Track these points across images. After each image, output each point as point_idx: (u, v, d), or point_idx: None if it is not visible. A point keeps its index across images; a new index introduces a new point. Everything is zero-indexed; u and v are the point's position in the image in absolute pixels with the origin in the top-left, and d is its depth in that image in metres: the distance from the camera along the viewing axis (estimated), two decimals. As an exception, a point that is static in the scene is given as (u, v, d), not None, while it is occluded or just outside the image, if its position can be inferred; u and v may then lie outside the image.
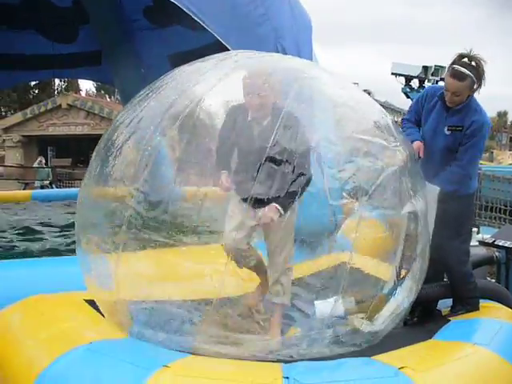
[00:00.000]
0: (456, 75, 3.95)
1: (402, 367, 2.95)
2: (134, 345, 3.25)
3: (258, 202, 3.43)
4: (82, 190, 3.91)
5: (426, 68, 20.19)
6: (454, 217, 4.08)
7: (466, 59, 3.97)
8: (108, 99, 43.38)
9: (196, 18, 5.85)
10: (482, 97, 4.10)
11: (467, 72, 3.93)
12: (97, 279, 3.65)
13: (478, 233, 6.94)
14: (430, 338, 3.69)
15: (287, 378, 2.74)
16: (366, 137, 3.62)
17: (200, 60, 3.83)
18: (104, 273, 3.52)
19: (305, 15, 7.34)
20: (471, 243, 6.24)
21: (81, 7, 10.42)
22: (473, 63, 3.96)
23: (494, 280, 5.84)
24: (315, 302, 3.64)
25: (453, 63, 4.00)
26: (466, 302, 4.25)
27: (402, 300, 3.71)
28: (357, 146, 3.63)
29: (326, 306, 3.54)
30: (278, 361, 3.11)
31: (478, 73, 3.97)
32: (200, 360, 3.03)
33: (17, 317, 3.91)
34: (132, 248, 3.47)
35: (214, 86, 3.58)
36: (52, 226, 9.82)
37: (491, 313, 4.16)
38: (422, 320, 4.17)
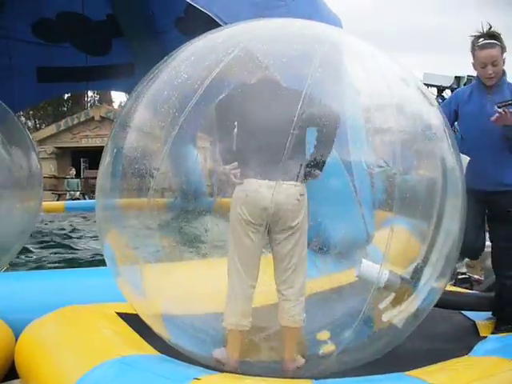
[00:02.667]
0: (485, 46, 4.01)
1: (435, 383, 2.89)
2: (165, 360, 3.24)
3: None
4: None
5: (458, 78, 19.94)
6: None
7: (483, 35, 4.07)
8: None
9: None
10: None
11: (493, 40, 4.02)
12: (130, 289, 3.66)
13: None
14: (467, 353, 3.61)
15: (318, 394, 2.72)
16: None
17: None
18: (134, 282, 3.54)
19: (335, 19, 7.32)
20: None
21: (114, 20, 10.66)
22: (492, 32, 4.05)
23: None
24: (363, 260, 3.22)
25: (474, 42, 4.08)
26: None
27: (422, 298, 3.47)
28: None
29: (372, 267, 3.19)
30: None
31: (500, 39, 4.05)
32: (231, 376, 3.02)
33: (51, 327, 3.95)
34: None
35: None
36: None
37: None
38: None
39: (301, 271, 3.29)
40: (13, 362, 3.96)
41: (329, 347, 3.32)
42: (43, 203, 14.92)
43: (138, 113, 3.55)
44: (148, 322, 3.54)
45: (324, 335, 3.39)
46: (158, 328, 3.50)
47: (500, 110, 3.87)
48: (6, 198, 6.13)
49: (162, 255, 3.61)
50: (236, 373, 3.15)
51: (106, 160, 3.61)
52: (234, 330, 3.27)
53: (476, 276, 7.48)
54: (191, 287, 3.53)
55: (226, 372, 3.13)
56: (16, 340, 4.04)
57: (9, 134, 6.26)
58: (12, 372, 3.96)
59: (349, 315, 3.26)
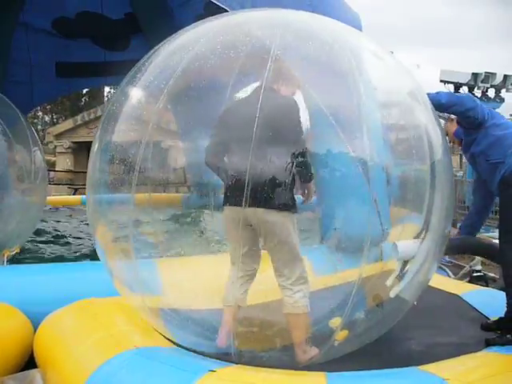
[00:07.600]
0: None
1: (448, 378, 2.88)
2: (181, 352, 3.30)
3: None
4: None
5: (475, 75, 19.75)
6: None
7: None
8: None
9: None
10: None
11: None
12: (123, 284, 3.71)
13: None
14: (482, 348, 3.62)
15: (332, 386, 2.74)
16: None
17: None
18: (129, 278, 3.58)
19: (355, 16, 7.34)
20: None
21: (133, 18, 10.68)
22: None
23: None
24: (397, 243, 3.30)
25: None
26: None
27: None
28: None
29: (408, 246, 3.34)
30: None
31: None
32: (246, 368, 3.06)
33: (69, 319, 4.01)
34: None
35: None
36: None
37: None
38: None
39: (295, 263, 3.40)
40: (31, 352, 4.03)
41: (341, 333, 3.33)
42: (61, 197, 15.26)
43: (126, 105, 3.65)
44: (144, 315, 3.62)
45: (335, 322, 3.39)
46: (154, 321, 3.58)
47: None
48: (12, 192, 6.26)
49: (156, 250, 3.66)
50: (245, 362, 3.22)
51: (93, 153, 3.71)
52: (224, 308, 3.48)
53: (491, 274, 7.44)
54: (189, 282, 3.61)
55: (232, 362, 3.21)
56: (35, 331, 4.12)
57: (14, 131, 6.41)
58: (30, 362, 4.02)
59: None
